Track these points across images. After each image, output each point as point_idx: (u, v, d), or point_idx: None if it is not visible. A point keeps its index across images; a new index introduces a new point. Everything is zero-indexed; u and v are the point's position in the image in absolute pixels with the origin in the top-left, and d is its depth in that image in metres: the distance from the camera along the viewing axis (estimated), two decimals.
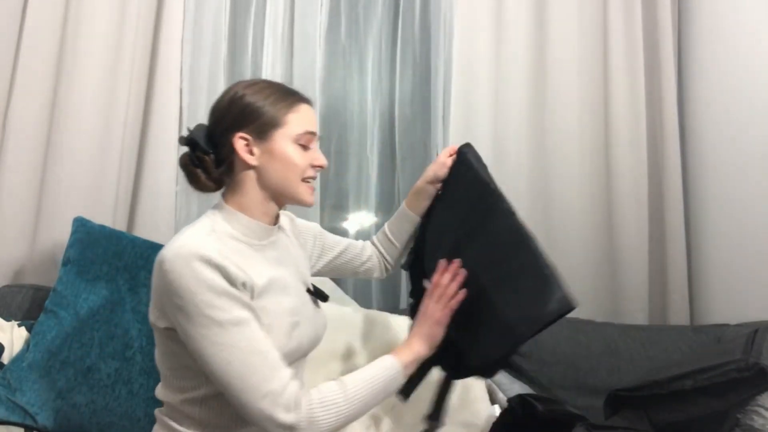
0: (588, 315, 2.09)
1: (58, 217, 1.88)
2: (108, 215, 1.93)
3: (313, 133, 1.17)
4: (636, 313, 2.14)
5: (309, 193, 1.18)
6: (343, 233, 2.31)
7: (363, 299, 2.12)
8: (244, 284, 1.04)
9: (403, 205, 1.45)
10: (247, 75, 2.19)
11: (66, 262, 1.67)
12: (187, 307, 0.99)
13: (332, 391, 1.03)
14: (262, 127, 1.13)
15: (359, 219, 2.30)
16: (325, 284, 1.92)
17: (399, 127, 2.28)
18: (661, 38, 2.21)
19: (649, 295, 2.17)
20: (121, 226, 1.97)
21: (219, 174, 1.15)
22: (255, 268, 1.09)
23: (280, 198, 1.18)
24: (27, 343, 1.59)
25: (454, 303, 1.16)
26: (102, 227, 1.75)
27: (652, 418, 1.35)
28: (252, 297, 1.06)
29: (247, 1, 2.22)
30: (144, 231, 1.99)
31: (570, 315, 2.06)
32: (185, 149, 1.18)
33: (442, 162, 1.39)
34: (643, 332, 1.97)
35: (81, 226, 1.72)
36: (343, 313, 1.81)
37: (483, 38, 2.21)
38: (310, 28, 2.19)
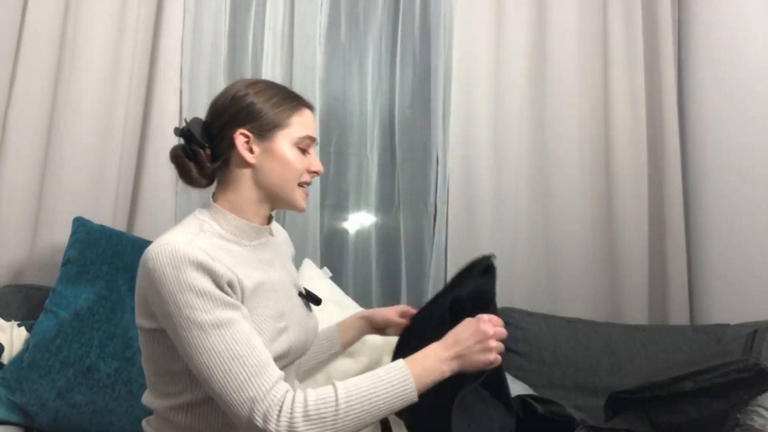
0: (588, 315, 2.09)
1: (58, 217, 1.88)
2: (108, 215, 1.93)
3: (312, 139, 1.16)
4: (636, 313, 2.14)
5: (303, 198, 1.17)
6: (343, 233, 2.31)
7: (363, 299, 2.12)
8: (230, 283, 1.01)
9: (335, 330, 1.40)
10: (247, 75, 2.18)
11: (66, 262, 1.67)
12: (169, 307, 0.97)
13: (323, 402, 0.93)
14: (264, 126, 1.11)
15: (359, 219, 2.30)
16: (324, 285, 1.92)
17: (399, 127, 2.28)
18: (661, 38, 2.21)
19: (649, 295, 2.16)
20: (121, 226, 1.97)
21: (213, 169, 1.13)
22: (244, 270, 1.06)
23: (274, 200, 1.16)
24: (27, 343, 1.59)
25: (496, 360, 1.05)
26: (102, 227, 1.75)
27: (652, 419, 1.35)
28: (242, 298, 1.03)
29: (247, 1, 2.22)
30: (144, 231, 1.99)
31: (570, 315, 2.08)
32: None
33: (390, 319, 1.36)
34: (643, 332, 1.97)
35: (81, 226, 1.72)
36: (343, 315, 1.81)
37: (483, 38, 2.21)
38: (310, 28, 2.19)
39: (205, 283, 0.97)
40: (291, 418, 0.92)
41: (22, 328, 1.67)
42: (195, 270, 0.97)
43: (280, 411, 0.92)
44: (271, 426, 0.91)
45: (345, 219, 2.32)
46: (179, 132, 1.16)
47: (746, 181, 2.01)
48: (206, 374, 0.95)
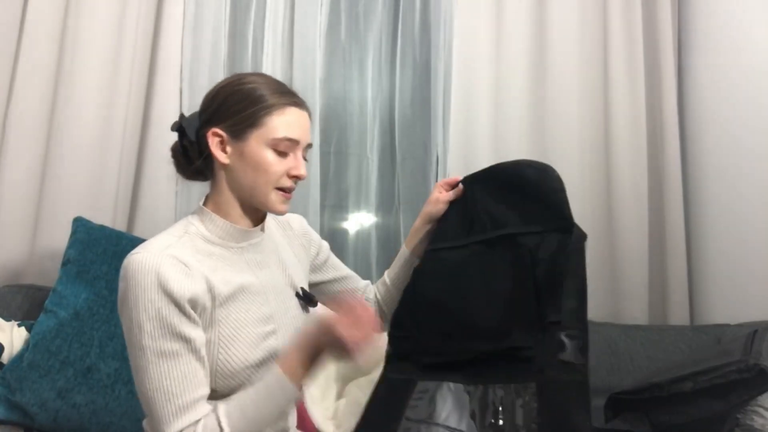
0: (588, 315, 2.08)
1: (58, 217, 1.88)
2: (108, 215, 1.93)
3: (294, 141, 1.07)
4: (636, 313, 2.14)
5: (281, 201, 1.09)
6: (343, 233, 2.31)
7: None
8: (192, 300, 0.98)
9: (404, 246, 1.34)
10: None
11: (66, 262, 1.67)
12: (123, 317, 0.98)
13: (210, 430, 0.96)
14: (238, 125, 1.05)
15: (359, 219, 2.30)
16: None
17: (399, 127, 2.28)
18: (661, 38, 2.21)
19: (649, 295, 2.16)
20: (121, 226, 1.97)
21: (201, 165, 1.10)
22: (222, 275, 1.04)
23: (250, 203, 1.10)
24: (27, 343, 1.59)
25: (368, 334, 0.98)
26: (102, 227, 1.75)
27: (653, 420, 1.35)
28: (213, 306, 1.02)
29: (247, 1, 2.22)
30: (144, 231, 1.99)
31: None
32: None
33: (435, 199, 1.29)
34: (643, 332, 1.97)
35: (81, 226, 1.72)
36: None
37: (483, 38, 2.21)
38: (310, 28, 2.19)
39: (160, 307, 0.95)
40: None
41: (22, 328, 1.67)
42: (155, 289, 0.95)
43: None
44: None
45: (345, 219, 2.32)
46: (174, 127, 1.14)
47: (746, 182, 2.01)
48: (137, 390, 0.98)
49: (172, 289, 0.96)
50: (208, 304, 1.01)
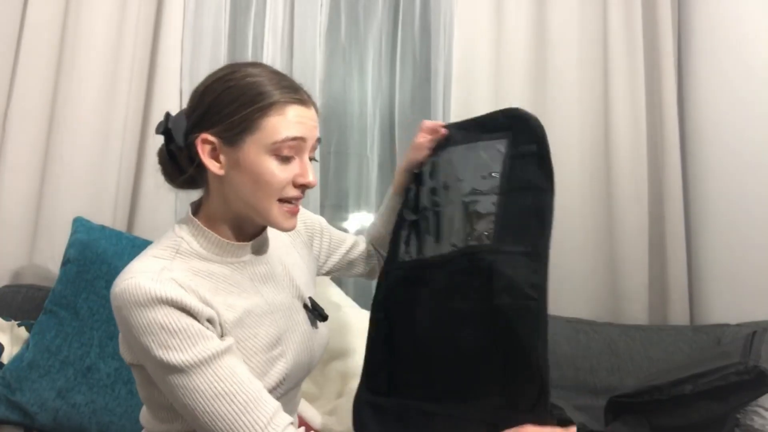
0: (588, 315, 2.09)
1: (58, 217, 1.88)
2: (108, 215, 1.93)
3: (299, 139, 0.92)
4: (636, 313, 2.14)
5: (286, 215, 0.95)
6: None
7: (363, 299, 2.12)
8: (210, 320, 0.89)
9: (391, 191, 1.28)
10: None
11: (66, 262, 1.68)
12: (142, 347, 0.85)
13: None
14: (231, 130, 0.90)
15: (359, 219, 2.30)
16: (324, 285, 1.92)
17: (399, 127, 2.28)
18: (661, 38, 2.20)
19: (649, 295, 2.16)
20: (121, 226, 1.97)
21: (193, 173, 0.95)
22: (225, 299, 0.93)
23: (249, 217, 0.97)
24: (26, 343, 1.59)
25: None
26: (102, 227, 1.75)
27: (653, 423, 1.35)
28: (222, 334, 0.91)
29: (247, 1, 2.22)
30: (144, 231, 1.99)
31: (570, 315, 2.08)
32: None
33: (418, 144, 1.23)
34: (643, 332, 1.97)
35: (81, 226, 1.72)
36: (344, 314, 1.81)
37: (483, 38, 2.21)
38: (310, 28, 2.19)
39: (178, 318, 0.85)
40: None
41: (22, 328, 1.67)
42: (167, 306, 0.85)
43: None
44: None
45: (345, 219, 2.32)
46: (159, 129, 0.97)
47: (746, 181, 2.01)
48: (192, 416, 0.86)
49: (188, 307, 0.86)
50: (218, 330, 0.91)
